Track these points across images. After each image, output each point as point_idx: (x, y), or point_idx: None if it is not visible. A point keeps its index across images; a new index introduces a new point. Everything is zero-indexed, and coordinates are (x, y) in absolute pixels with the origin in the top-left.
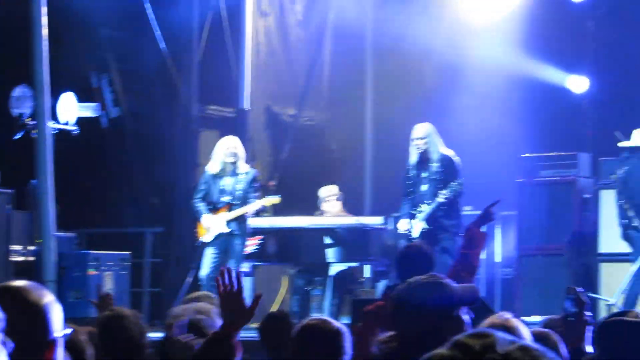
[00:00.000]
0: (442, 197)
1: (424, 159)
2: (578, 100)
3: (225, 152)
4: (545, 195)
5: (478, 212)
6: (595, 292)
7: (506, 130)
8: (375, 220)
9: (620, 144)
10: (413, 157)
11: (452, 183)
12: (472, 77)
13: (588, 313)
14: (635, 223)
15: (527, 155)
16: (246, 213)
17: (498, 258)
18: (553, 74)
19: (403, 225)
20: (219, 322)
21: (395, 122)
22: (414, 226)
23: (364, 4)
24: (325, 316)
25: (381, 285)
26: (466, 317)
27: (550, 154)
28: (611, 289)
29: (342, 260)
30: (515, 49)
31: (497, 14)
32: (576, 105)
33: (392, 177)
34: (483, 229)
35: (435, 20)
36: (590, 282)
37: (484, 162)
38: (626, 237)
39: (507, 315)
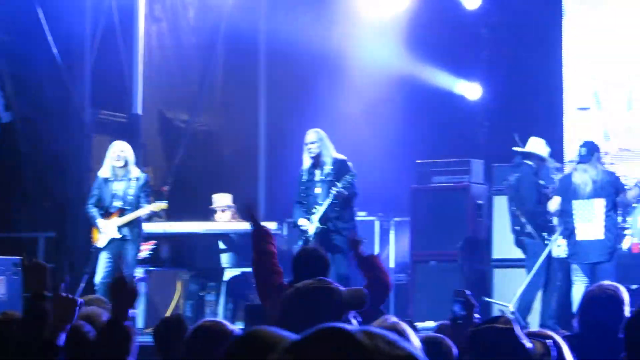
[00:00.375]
0: (335, 189)
1: (316, 163)
2: (471, 106)
3: (115, 156)
4: (438, 201)
5: (372, 218)
6: (489, 297)
7: (400, 136)
8: (269, 226)
9: (514, 149)
10: (306, 162)
11: (345, 176)
12: (365, 82)
13: (477, 316)
14: (528, 229)
15: (420, 161)
16: (138, 218)
17: (391, 264)
18: (447, 80)
19: (303, 222)
20: None
21: (289, 128)
22: (309, 228)
23: (256, 10)
24: (220, 319)
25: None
26: (354, 322)
27: (443, 160)
28: (504, 295)
29: (236, 265)
30: (408, 55)
31: (390, 20)
32: (469, 111)
33: (286, 183)
34: (364, 252)
35: (328, 26)
36: (484, 287)
37: (378, 168)
38: (519, 243)
39: (394, 318)
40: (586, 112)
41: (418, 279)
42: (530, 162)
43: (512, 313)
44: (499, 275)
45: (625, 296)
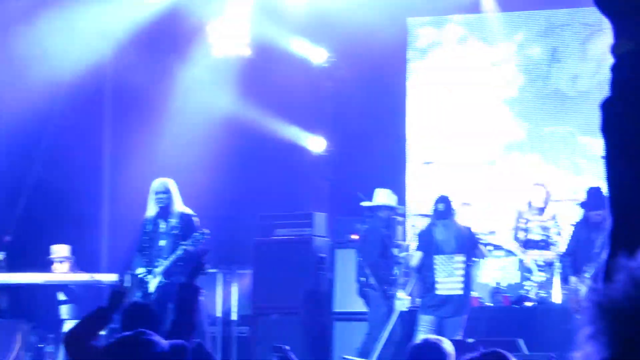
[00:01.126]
0: (182, 248)
1: (163, 214)
2: (316, 159)
3: None
4: (281, 253)
5: (215, 270)
6: (330, 350)
7: (244, 188)
8: (110, 278)
9: (362, 204)
10: (151, 211)
11: (193, 234)
12: (211, 133)
13: None
14: (371, 281)
15: (264, 214)
16: None
17: (234, 316)
18: (291, 132)
19: (140, 271)
20: None
21: (133, 178)
22: (150, 281)
23: (103, 59)
24: None
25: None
26: None
27: (286, 212)
28: (345, 348)
29: (75, 317)
30: (254, 106)
31: (236, 70)
32: (313, 164)
33: (129, 234)
34: (196, 282)
35: (174, 73)
36: (325, 340)
37: (221, 219)
38: (362, 294)
39: None
40: (429, 167)
41: (260, 331)
42: (380, 214)
43: None
44: (340, 328)
45: (450, 350)
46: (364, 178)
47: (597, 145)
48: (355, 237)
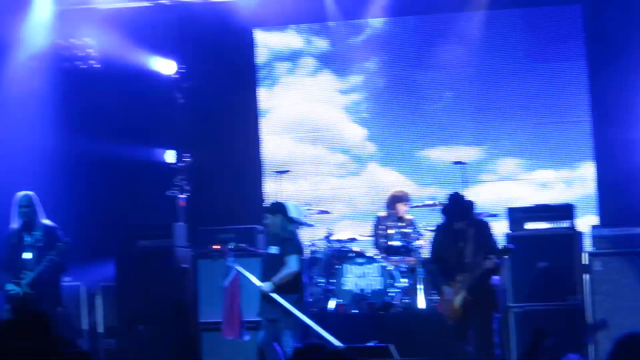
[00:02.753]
0: (48, 259)
1: (27, 227)
2: (172, 171)
3: None
4: (144, 265)
5: (78, 283)
6: None
7: (101, 200)
8: None
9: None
10: (16, 224)
11: (57, 244)
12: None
13: None
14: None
15: (125, 226)
16: None
17: (100, 329)
18: (145, 145)
19: (10, 287)
20: None
21: None
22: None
23: None
24: None
25: None
26: None
27: (147, 224)
28: (213, 358)
29: None
30: (103, 121)
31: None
32: (170, 176)
33: None
34: None
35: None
36: (193, 351)
37: (83, 233)
38: None
39: None
40: (286, 176)
41: (127, 344)
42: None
43: None
44: (207, 338)
45: None
46: (220, 187)
47: (435, 155)
48: (217, 246)
